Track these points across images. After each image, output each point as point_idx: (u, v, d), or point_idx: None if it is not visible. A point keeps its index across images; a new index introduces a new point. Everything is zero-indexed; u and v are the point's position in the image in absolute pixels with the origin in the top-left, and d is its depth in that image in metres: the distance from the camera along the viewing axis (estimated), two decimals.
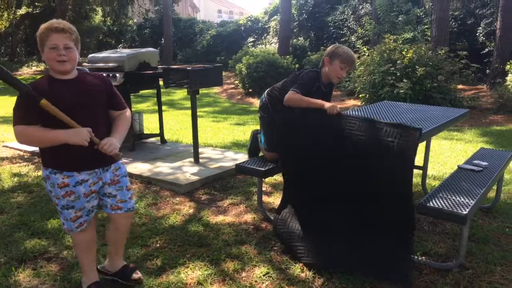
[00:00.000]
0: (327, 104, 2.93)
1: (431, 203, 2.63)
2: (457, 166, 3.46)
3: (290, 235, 2.96)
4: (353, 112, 3.76)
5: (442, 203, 2.62)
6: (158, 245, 3.08)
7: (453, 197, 2.71)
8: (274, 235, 3.17)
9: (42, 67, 22.34)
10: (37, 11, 24.73)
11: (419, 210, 2.66)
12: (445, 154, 5.79)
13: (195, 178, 4.33)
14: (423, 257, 2.87)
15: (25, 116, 2.06)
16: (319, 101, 2.99)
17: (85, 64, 5.61)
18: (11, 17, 24.62)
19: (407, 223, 2.66)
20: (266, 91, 3.53)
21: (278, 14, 17.45)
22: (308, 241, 2.86)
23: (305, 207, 3.02)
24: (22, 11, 24.40)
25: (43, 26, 2.14)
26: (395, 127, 2.65)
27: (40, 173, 4.75)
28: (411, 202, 2.62)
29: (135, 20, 25.89)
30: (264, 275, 2.68)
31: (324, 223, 2.90)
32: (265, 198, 3.98)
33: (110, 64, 5.16)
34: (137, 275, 2.58)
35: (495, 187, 3.73)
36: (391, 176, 2.62)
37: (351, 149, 2.74)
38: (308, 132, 2.94)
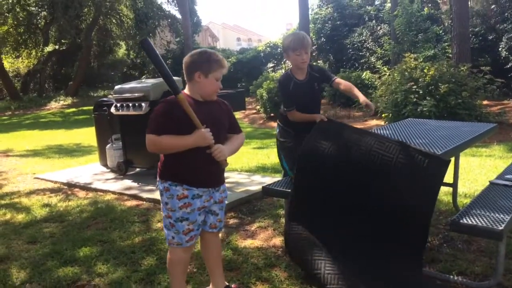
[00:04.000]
0: (315, 117, 3.17)
1: (464, 220, 2.57)
2: (489, 181, 3.38)
3: (311, 262, 2.86)
4: (379, 131, 3.75)
5: (476, 219, 2.56)
6: (188, 270, 3.08)
7: (487, 213, 2.64)
8: None
9: (69, 101, 23.03)
10: (63, 48, 25.73)
11: (453, 227, 2.60)
12: (475, 171, 5.66)
13: None
14: (459, 277, 2.79)
15: (157, 125, 2.26)
16: (310, 116, 3.22)
17: (110, 96, 5.77)
18: (39, 54, 25.65)
19: (420, 250, 2.62)
20: (278, 119, 3.62)
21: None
22: (330, 268, 2.78)
23: (324, 233, 2.94)
24: (49, 48, 25.41)
25: (218, 55, 2.38)
26: (424, 155, 2.64)
27: (71, 202, 4.86)
28: (428, 231, 2.61)
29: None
30: None
31: (345, 248, 2.83)
32: None
33: (136, 94, 5.30)
34: None
35: None
36: (414, 202, 2.59)
37: (376, 171, 2.73)
38: (332, 151, 2.93)
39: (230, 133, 2.52)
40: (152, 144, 2.26)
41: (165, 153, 2.36)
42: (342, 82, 3.41)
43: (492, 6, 13.98)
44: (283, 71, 18.84)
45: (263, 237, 3.65)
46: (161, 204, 2.45)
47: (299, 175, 3.09)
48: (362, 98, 3.28)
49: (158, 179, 2.45)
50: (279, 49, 21.60)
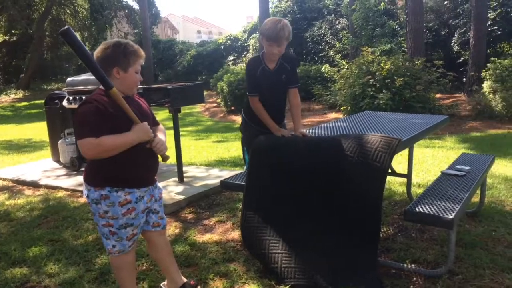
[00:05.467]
0: (274, 129, 3.15)
1: (417, 209, 2.63)
2: (441, 172, 3.48)
3: (268, 256, 2.84)
4: (336, 123, 3.78)
5: (428, 208, 2.63)
6: (144, 267, 3.01)
7: (439, 203, 2.71)
8: None
9: (20, 94, 22.04)
10: (14, 39, 24.57)
11: (406, 216, 2.66)
12: (428, 161, 5.85)
13: (180, 197, 4.27)
14: (413, 265, 2.86)
15: (94, 126, 2.04)
16: (271, 123, 3.16)
17: (64, 89, 5.56)
18: None
19: (375, 233, 2.66)
20: (242, 110, 3.52)
21: (257, 32, 17.64)
22: (287, 261, 2.78)
23: (280, 223, 2.92)
24: None
25: (133, 45, 2.22)
26: (376, 136, 2.71)
27: (20, 200, 4.63)
28: (380, 217, 2.65)
29: None
30: None
31: (299, 240, 2.81)
32: None
33: (90, 87, 5.11)
34: None
35: (478, 192, 3.76)
36: (366, 184, 2.65)
37: (328, 160, 2.79)
38: (287, 149, 2.95)
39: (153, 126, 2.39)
40: (93, 149, 2.04)
41: (106, 156, 2.09)
42: (295, 96, 3.25)
43: (445, 2, 14.45)
44: (244, 64, 18.81)
45: (222, 231, 3.61)
46: (94, 213, 2.25)
47: (253, 164, 3.07)
48: (297, 128, 3.17)
49: (88, 187, 2.23)
50: (239, 42, 21.57)
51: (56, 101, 5.91)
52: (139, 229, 2.34)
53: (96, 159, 2.16)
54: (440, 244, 3.17)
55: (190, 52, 22.21)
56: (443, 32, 13.99)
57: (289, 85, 3.23)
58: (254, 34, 19.95)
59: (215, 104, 15.54)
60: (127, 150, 2.13)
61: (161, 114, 14.30)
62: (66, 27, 2.04)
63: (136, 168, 2.23)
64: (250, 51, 20.26)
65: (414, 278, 2.71)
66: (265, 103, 3.21)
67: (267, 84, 3.16)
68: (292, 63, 3.23)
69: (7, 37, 24.54)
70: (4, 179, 5.58)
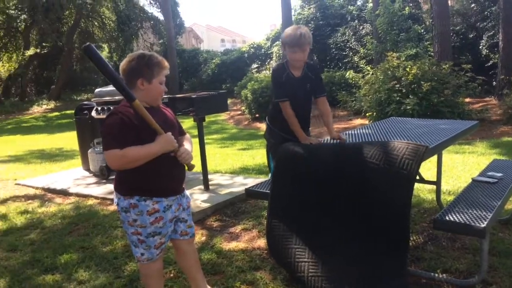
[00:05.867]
0: (301, 138, 3.12)
1: (447, 217, 2.57)
2: (471, 178, 3.40)
3: (294, 265, 2.83)
4: (362, 130, 3.74)
5: (459, 217, 2.56)
6: (171, 275, 3.04)
7: (470, 211, 2.65)
8: None
9: (52, 105, 22.70)
10: (45, 51, 25.34)
11: (436, 225, 2.60)
12: (458, 168, 5.71)
13: (206, 205, 4.30)
14: (444, 274, 2.79)
15: (119, 138, 2.08)
16: (299, 131, 3.13)
17: (93, 99, 5.69)
18: (20, 58, 25.22)
19: (401, 241, 2.61)
20: (266, 117, 3.53)
21: (280, 40, 17.67)
22: (314, 270, 2.75)
23: (306, 232, 2.89)
24: (30, 51, 24.98)
25: (157, 57, 2.26)
26: (403, 143, 2.66)
27: (52, 208, 4.75)
28: (408, 227, 2.60)
29: None
30: None
31: (325, 248, 2.77)
32: None
33: (117, 97, 5.22)
34: None
35: (511, 199, 3.65)
36: (391, 191, 2.60)
37: (353, 168, 2.75)
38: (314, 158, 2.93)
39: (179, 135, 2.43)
40: (118, 160, 2.09)
41: (131, 167, 2.14)
42: (324, 104, 3.28)
43: (472, 5, 14.18)
44: (267, 71, 18.84)
45: (248, 239, 3.61)
46: (124, 221, 2.30)
47: (278, 172, 3.06)
48: (332, 133, 3.18)
49: (118, 195, 2.29)
50: (263, 50, 21.64)
51: (85, 112, 6.06)
52: (166, 237, 2.37)
53: (122, 169, 2.21)
54: (473, 253, 3.09)
55: (214, 60, 22.42)
56: (471, 36, 13.71)
57: (317, 94, 3.27)
58: (277, 42, 19.96)
59: (239, 112, 15.62)
60: (151, 161, 2.16)
61: (187, 123, 14.43)
62: (87, 43, 2.11)
63: (160, 178, 2.26)
64: (274, 58, 20.29)
65: None
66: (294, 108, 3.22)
67: (292, 91, 3.17)
68: (315, 71, 3.29)
69: (38, 50, 25.29)
70: (36, 188, 5.74)
